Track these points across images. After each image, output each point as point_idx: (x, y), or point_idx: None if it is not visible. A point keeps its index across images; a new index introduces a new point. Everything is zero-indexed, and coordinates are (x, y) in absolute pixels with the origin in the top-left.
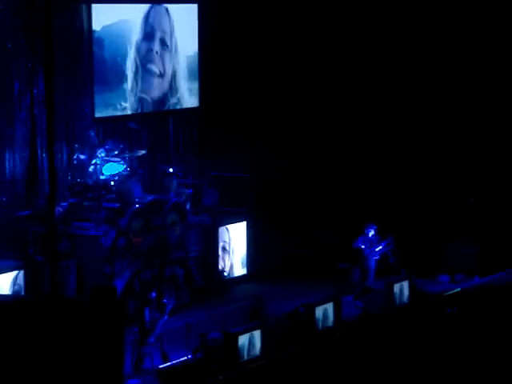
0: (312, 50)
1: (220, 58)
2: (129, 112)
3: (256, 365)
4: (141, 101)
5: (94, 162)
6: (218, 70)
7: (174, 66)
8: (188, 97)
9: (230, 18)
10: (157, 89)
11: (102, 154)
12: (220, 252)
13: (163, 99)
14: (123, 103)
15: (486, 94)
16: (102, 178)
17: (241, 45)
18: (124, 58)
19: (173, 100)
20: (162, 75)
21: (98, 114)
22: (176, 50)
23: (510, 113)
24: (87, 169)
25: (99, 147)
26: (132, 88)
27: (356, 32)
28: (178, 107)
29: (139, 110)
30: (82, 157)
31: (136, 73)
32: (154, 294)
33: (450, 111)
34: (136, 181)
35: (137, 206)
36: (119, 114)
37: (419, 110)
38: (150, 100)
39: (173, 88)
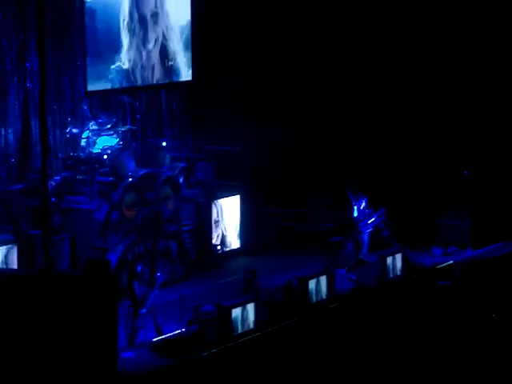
0: (306, 24)
1: (214, 29)
2: (127, 66)
3: (249, 338)
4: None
5: (85, 135)
6: (212, 42)
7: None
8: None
9: None
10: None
11: (94, 127)
12: (213, 226)
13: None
14: (120, 61)
15: (479, 71)
16: (94, 151)
17: (235, 16)
18: (117, 28)
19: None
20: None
21: (90, 87)
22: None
23: (504, 86)
24: (79, 142)
25: (91, 120)
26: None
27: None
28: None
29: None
30: (75, 130)
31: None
32: (140, 268)
33: (445, 85)
34: (129, 154)
35: (130, 179)
36: (112, 86)
37: (412, 82)
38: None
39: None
